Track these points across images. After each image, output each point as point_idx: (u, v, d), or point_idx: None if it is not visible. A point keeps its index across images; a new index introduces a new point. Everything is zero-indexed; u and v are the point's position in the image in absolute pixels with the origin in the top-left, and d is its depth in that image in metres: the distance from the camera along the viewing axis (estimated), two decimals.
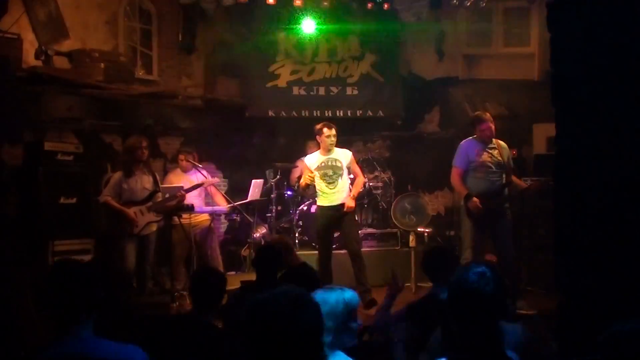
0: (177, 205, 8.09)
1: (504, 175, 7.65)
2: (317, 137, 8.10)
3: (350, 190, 8.11)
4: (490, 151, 7.63)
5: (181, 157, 9.22)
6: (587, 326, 2.84)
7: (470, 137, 7.77)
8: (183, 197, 8.12)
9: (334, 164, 8.01)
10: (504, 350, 2.66)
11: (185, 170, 9.17)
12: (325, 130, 7.96)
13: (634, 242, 2.77)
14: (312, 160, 8.16)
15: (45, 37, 8.79)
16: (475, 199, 7.43)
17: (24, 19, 8.53)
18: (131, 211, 7.70)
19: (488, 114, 7.82)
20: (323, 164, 8.02)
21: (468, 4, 10.41)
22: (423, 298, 4.80)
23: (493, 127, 7.61)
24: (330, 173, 8.00)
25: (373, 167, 10.73)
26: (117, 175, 7.82)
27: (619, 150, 2.82)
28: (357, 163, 8.54)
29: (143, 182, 7.89)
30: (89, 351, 2.93)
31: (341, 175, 8.01)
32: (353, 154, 8.29)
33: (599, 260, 2.85)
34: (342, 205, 7.95)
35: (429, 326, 3.76)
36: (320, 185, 8.06)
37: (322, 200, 8.12)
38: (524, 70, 10.71)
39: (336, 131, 8.01)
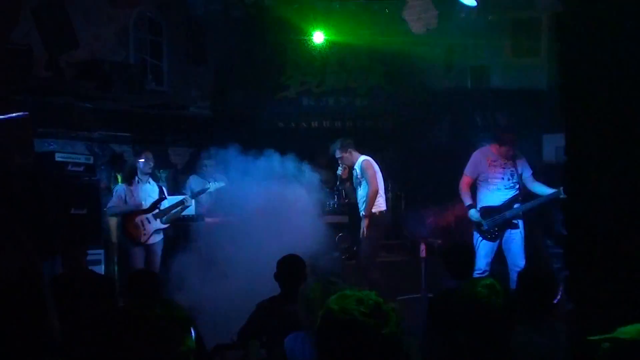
0: (182, 212, 8.19)
1: (517, 186, 7.63)
2: None
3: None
4: (503, 162, 7.60)
5: None
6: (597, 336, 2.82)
7: (484, 147, 7.75)
8: (187, 204, 8.19)
9: (355, 174, 8.24)
10: None
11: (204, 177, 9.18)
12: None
13: None
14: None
15: (56, 48, 8.83)
16: (470, 210, 7.46)
17: (34, 30, 8.58)
18: (137, 219, 7.77)
19: (512, 136, 7.77)
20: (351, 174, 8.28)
21: (477, 15, 10.40)
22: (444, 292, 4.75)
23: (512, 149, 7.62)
24: (354, 184, 8.27)
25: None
26: (122, 185, 7.92)
27: (629, 160, 2.82)
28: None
29: (148, 191, 7.94)
30: None
31: (359, 184, 8.15)
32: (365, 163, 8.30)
33: (609, 270, 2.84)
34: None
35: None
36: None
37: None
38: (533, 80, 10.68)
39: (346, 148, 8.29)
